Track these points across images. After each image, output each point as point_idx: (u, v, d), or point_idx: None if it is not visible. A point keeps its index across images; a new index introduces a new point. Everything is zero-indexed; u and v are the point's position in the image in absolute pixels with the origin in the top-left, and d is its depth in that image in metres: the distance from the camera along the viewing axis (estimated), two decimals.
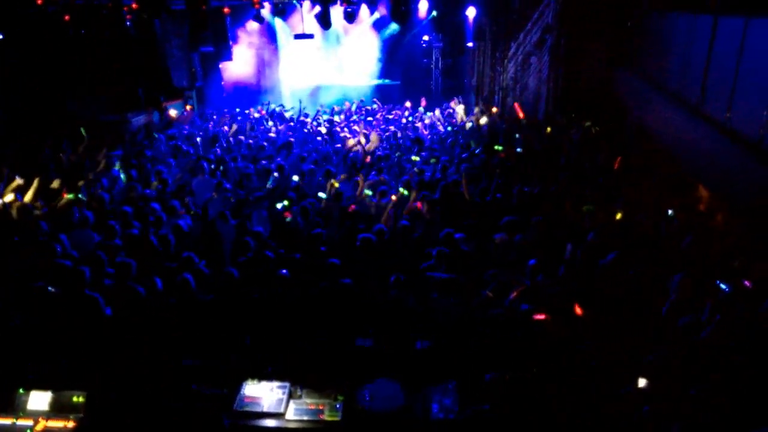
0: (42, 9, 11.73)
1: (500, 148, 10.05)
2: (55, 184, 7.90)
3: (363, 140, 11.08)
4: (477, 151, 10.13)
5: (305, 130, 12.55)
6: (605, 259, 5.58)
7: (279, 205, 7.63)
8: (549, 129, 11.33)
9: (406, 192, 7.52)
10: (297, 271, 5.79)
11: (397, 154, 10.22)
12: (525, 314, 4.79)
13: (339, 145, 11.26)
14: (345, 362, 4.95)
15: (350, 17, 14.84)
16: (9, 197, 7.04)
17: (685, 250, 5.82)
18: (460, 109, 14.31)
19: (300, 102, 14.76)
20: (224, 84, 18.69)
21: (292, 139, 11.20)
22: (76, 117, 12.21)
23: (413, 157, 9.85)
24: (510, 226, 6.57)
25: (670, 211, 6.69)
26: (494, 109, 13.91)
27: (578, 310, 4.47)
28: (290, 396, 4.46)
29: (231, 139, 11.69)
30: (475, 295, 5.46)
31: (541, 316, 4.49)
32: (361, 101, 16.03)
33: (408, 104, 15.27)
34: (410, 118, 13.90)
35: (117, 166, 9.17)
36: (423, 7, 14.36)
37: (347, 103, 15.66)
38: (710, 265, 5.33)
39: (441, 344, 5.16)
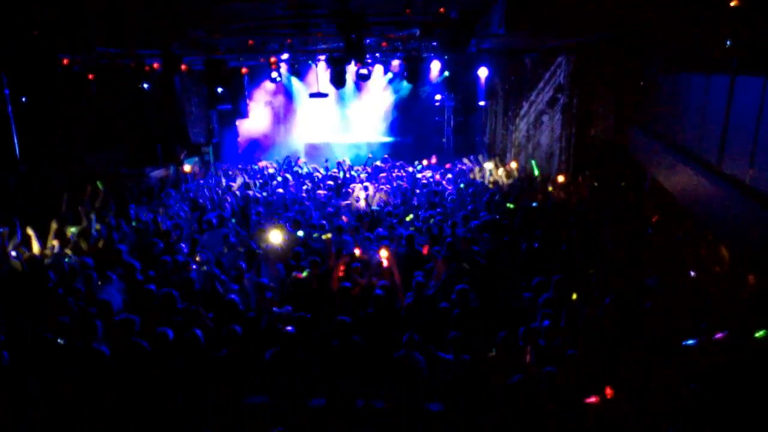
0: (67, 68, 12.14)
1: (512, 205, 9.98)
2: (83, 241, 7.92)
3: (361, 195, 11.14)
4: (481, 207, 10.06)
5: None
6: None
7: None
8: (540, 196, 10.83)
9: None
10: (306, 328, 5.64)
11: (387, 211, 9.94)
12: (548, 376, 4.56)
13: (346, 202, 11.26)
14: (355, 424, 4.74)
15: (363, 77, 15.21)
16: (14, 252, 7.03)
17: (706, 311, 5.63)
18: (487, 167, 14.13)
19: (306, 163, 14.96)
20: (240, 140, 19.10)
21: (303, 195, 11.28)
22: (95, 170, 12.46)
23: (407, 217, 9.78)
24: (539, 287, 6.48)
25: (692, 273, 6.52)
26: (513, 165, 13.98)
27: (609, 391, 4.25)
28: None
29: (238, 192, 11.81)
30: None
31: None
32: (369, 157, 15.89)
33: (427, 161, 15.38)
34: (425, 174, 13.94)
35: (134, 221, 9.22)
36: (435, 67, 14.72)
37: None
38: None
39: (454, 408, 4.93)
